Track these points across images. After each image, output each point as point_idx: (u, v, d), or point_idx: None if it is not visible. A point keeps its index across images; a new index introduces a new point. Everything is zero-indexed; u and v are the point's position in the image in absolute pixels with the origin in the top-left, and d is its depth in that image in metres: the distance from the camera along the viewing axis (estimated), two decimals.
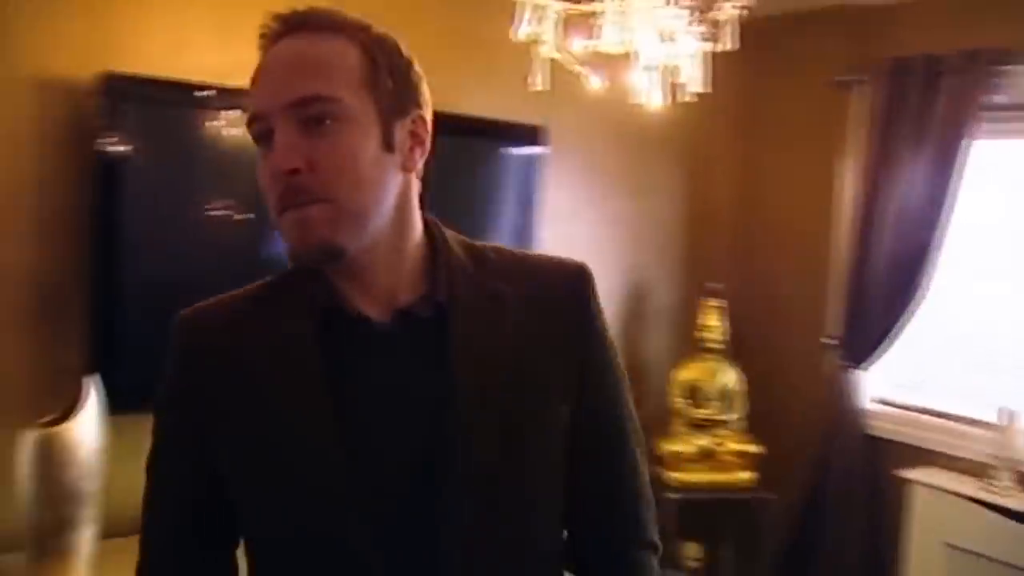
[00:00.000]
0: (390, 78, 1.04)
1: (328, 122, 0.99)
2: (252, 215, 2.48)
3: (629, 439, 1.18)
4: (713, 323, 3.51)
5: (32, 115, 2.35)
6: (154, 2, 2.48)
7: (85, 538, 2.18)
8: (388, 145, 1.03)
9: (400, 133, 1.05)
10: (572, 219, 3.40)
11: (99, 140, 2.32)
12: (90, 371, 2.26)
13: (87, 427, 2.15)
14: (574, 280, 1.15)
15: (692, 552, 3.56)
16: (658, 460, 3.40)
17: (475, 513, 1.04)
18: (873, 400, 3.46)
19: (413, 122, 1.07)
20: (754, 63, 3.70)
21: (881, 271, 3.29)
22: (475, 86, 2.97)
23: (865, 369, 3.39)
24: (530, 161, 3.11)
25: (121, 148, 2.34)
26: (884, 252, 3.28)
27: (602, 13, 1.92)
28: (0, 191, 2.34)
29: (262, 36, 1.03)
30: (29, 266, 2.39)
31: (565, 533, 1.19)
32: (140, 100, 2.35)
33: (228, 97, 2.42)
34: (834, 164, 3.52)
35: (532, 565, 1.12)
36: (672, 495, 3.33)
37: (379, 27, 1.07)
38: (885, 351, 3.33)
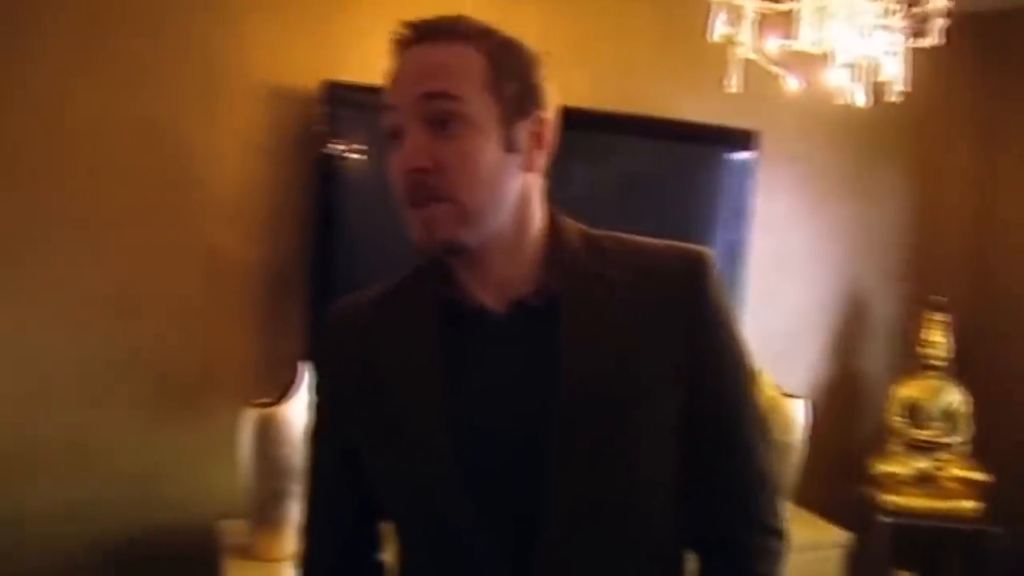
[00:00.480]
0: (513, 81, 1.08)
1: (452, 124, 1.04)
2: None
3: (746, 424, 1.17)
4: (937, 339, 3.27)
5: (264, 122, 2.58)
6: (373, 14, 2.64)
7: (297, 510, 2.36)
8: (509, 146, 1.07)
9: (521, 134, 1.09)
10: (786, 227, 3.30)
11: (322, 144, 2.50)
12: (305, 358, 2.44)
13: (299, 409, 2.33)
14: (690, 266, 1.15)
15: None
16: (872, 481, 3.23)
17: (582, 495, 1.07)
18: None
19: (535, 123, 1.10)
20: (992, 61, 3.44)
21: None
22: (685, 90, 2.94)
23: None
24: (742, 167, 3.04)
25: (341, 151, 2.51)
26: None
27: (799, 11, 1.85)
28: (236, 192, 2.58)
29: (395, 42, 1.09)
30: (259, 260, 2.62)
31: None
32: (359, 106, 2.49)
33: None
34: None
35: (642, 548, 1.13)
36: (885, 519, 3.15)
37: (505, 31, 1.11)
38: None
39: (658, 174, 2.96)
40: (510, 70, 1.08)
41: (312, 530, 1.26)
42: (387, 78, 1.09)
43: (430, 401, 1.09)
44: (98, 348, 2.49)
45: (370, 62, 2.60)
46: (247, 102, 2.57)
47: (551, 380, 1.07)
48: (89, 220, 2.47)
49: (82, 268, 2.47)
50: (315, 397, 1.25)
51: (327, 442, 1.23)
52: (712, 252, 1.17)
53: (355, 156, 2.52)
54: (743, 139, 3.01)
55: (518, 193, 1.10)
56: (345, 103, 2.49)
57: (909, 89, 2.01)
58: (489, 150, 1.06)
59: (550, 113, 1.12)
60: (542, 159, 1.13)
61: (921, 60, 2.14)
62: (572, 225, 1.17)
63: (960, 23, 3.41)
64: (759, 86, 2.34)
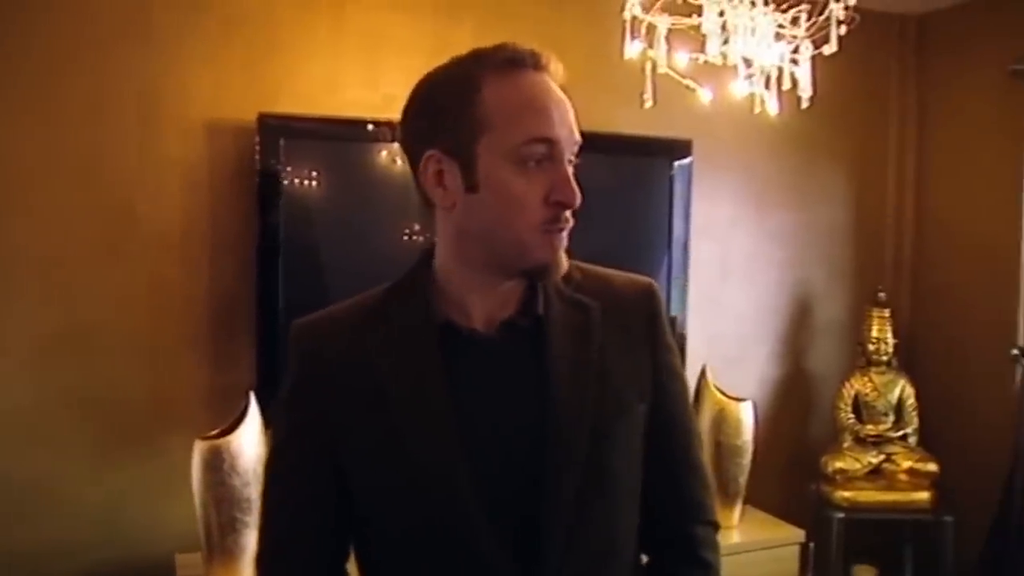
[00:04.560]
0: None
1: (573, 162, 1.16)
2: (406, 236, 2.63)
3: (693, 433, 1.34)
4: (883, 334, 3.35)
5: (204, 156, 2.61)
6: (308, 49, 2.70)
7: (251, 540, 2.38)
8: None
9: None
10: (730, 233, 3.36)
11: (259, 174, 2.54)
12: (253, 387, 2.47)
13: (249, 439, 2.35)
14: (647, 295, 1.29)
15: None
16: (825, 478, 3.28)
17: (574, 498, 1.15)
18: None
19: None
20: (925, 63, 3.54)
21: None
22: (618, 105, 2.97)
23: None
24: (678, 175, 3.09)
25: (279, 180, 2.54)
26: None
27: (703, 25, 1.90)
28: (179, 225, 2.60)
29: (507, 61, 1.14)
30: (205, 292, 2.64)
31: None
32: (294, 136, 2.55)
33: (376, 129, 2.59)
34: (1018, 160, 3.27)
35: (621, 546, 1.25)
36: (839, 514, 3.21)
37: None
38: None
39: (596, 186, 3.01)
40: None
41: (278, 553, 1.25)
42: (527, 100, 1.13)
43: (440, 417, 1.15)
44: (52, 386, 2.51)
45: (309, 93, 2.68)
46: (186, 137, 2.59)
47: (542, 394, 1.17)
48: (40, 258, 2.49)
49: (33, 306, 2.49)
50: (286, 409, 1.25)
51: (304, 462, 1.23)
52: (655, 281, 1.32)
53: (293, 183, 2.56)
54: (676, 148, 3.07)
55: None
56: (281, 133, 2.53)
57: (812, 94, 2.06)
58: None
59: None
60: None
61: (851, 64, 2.19)
62: None
63: (892, 25, 3.52)
64: (690, 98, 2.39)
